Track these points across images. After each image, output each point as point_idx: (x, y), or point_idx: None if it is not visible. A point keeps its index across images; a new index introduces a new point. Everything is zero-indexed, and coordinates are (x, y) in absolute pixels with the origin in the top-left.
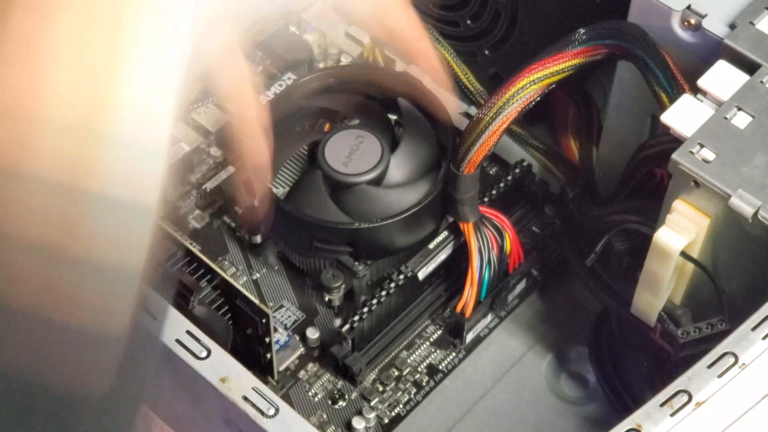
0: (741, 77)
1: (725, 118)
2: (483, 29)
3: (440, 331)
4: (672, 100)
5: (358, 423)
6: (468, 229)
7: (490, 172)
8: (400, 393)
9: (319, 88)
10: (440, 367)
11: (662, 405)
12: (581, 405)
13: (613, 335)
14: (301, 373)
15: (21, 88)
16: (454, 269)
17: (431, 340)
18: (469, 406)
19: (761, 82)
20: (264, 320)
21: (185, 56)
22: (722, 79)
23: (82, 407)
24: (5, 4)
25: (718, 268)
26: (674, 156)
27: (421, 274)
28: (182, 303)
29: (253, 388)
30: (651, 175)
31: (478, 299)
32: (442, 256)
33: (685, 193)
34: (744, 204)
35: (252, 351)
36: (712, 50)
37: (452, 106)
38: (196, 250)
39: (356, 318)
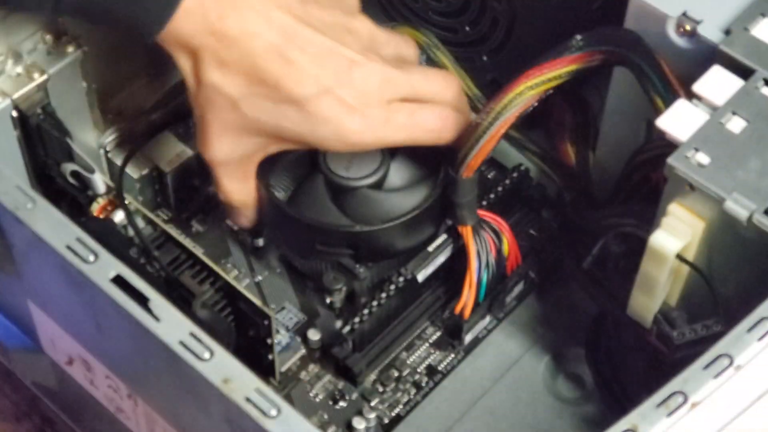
0: (736, 82)
1: (720, 122)
2: (481, 35)
3: (439, 333)
4: (667, 105)
5: (358, 423)
6: (467, 232)
7: (489, 177)
8: (400, 393)
9: None
10: (439, 368)
11: (658, 406)
12: (578, 405)
13: (610, 337)
14: (303, 374)
15: None
16: (453, 272)
17: (430, 341)
18: (467, 406)
19: (755, 87)
20: (266, 322)
21: None
22: (717, 84)
23: None
24: None
25: (713, 270)
26: (669, 160)
27: (421, 277)
28: (185, 305)
29: (255, 390)
30: (647, 179)
31: (476, 301)
32: (441, 259)
33: (680, 197)
34: (739, 207)
35: (254, 352)
36: (707, 56)
37: None
38: (199, 253)
39: (357, 319)
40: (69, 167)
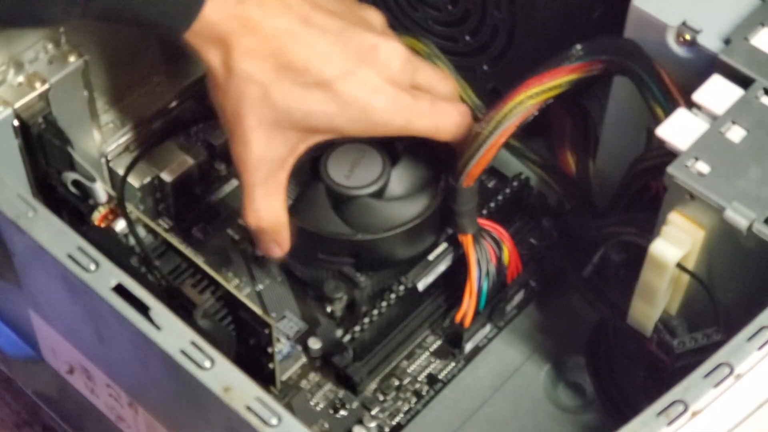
0: (735, 92)
1: (720, 131)
2: (481, 45)
3: (440, 341)
4: (667, 114)
5: None
6: (467, 240)
7: (489, 185)
8: (400, 402)
9: None
10: (440, 377)
11: (658, 414)
12: (579, 414)
13: (610, 345)
14: (303, 383)
15: None
16: (454, 280)
17: (431, 350)
18: (468, 415)
19: (755, 96)
20: (267, 331)
21: None
22: (717, 93)
23: None
24: None
25: (713, 279)
26: (669, 169)
27: (421, 285)
28: (186, 314)
29: (256, 398)
30: (647, 187)
31: (476, 310)
32: (441, 268)
33: (680, 206)
34: (738, 216)
35: (255, 361)
36: (707, 65)
37: None
38: (200, 262)
39: (357, 328)
40: (70, 176)
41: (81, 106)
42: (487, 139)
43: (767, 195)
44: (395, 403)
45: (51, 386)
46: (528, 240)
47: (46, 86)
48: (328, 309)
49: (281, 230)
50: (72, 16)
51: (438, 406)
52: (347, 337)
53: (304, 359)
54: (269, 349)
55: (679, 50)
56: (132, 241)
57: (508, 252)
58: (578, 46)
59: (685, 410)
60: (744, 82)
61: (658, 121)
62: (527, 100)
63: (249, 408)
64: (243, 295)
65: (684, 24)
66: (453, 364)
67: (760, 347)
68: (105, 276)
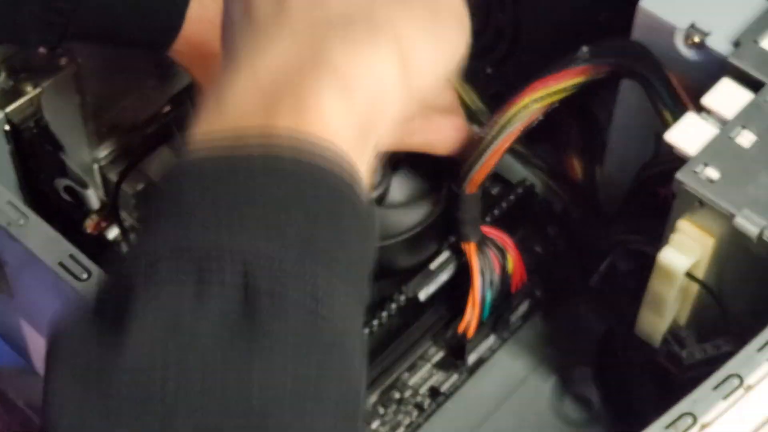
0: (745, 96)
1: (730, 137)
2: (485, 47)
3: (442, 353)
4: (676, 118)
5: None
6: (470, 249)
7: (493, 192)
8: (401, 415)
9: None
10: (442, 389)
11: (667, 427)
12: (586, 427)
13: (618, 357)
14: None
15: None
16: (456, 290)
17: (433, 361)
18: (471, 429)
19: (766, 100)
20: None
21: None
22: (726, 97)
23: None
24: None
25: (722, 288)
26: (678, 175)
27: (423, 295)
28: None
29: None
30: (655, 194)
31: (480, 320)
32: (443, 277)
33: (689, 213)
34: (749, 224)
35: None
36: (716, 68)
37: None
38: None
39: None
40: (62, 182)
41: (73, 110)
42: (491, 145)
43: None
44: (396, 416)
45: None
46: (533, 248)
47: (38, 90)
48: None
49: None
50: (52, 41)
51: (440, 419)
52: None
53: None
54: None
55: (688, 53)
56: (125, 248)
57: (512, 261)
58: (584, 49)
59: (694, 423)
60: (754, 85)
61: (666, 126)
62: (532, 104)
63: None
64: None
65: (693, 26)
66: (456, 376)
67: None
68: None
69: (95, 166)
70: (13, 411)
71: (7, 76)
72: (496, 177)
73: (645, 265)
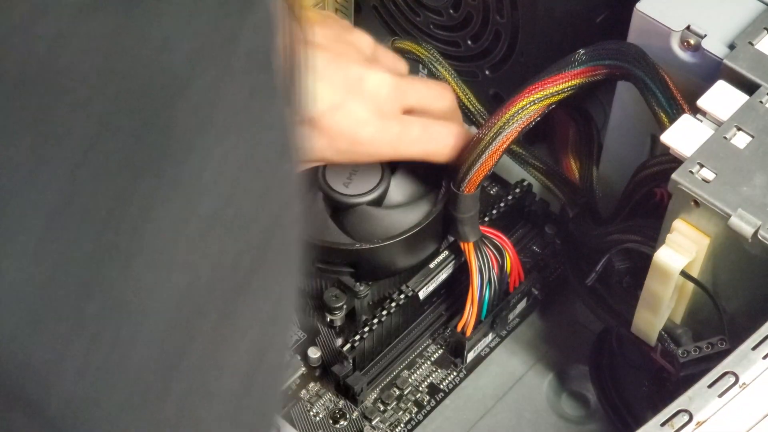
0: (740, 97)
1: (725, 137)
2: (483, 49)
3: (441, 351)
4: (672, 120)
5: None
6: (468, 248)
7: (491, 192)
8: (401, 412)
9: None
10: (441, 387)
11: (663, 425)
12: (582, 424)
13: (614, 354)
14: (303, 393)
15: None
16: (455, 289)
17: (432, 359)
18: (470, 425)
19: (760, 102)
20: None
21: None
22: (722, 99)
23: None
24: None
25: (718, 287)
26: (674, 176)
27: (422, 294)
28: None
29: None
30: (651, 194)
31: (478, 318)
32: (442, 276)
33: (685, 213)
34: (744, 224)
35: None
36: (712, 70)
37: None
38: None
39: (357, 337)
40: None
41: None
42: (489, 145)
43: None
44: (396, 413)
45: None
46: (530, 248)
47: None
48: (328, 318)
49: None
50: None
51: (439, 416)
52: (347, 347)
53: (303, 369)
54: None
55: (684, 55)
56: None
57: (510, 260)
58: (581, 51)
59: (690, 420)
60: (749, 87)
61: (662, 127)
62: (530, 105)
63: None
64: None
65: (688, 29)
66: (454, 373)
67: (766, 356)
68: None
69: None
70: None
71: None
72: (494, 177)
73: (641, 264)
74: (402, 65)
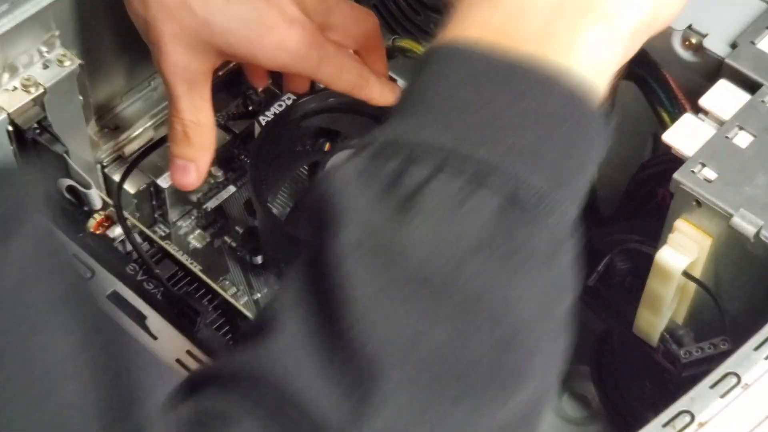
0: (742, 97)
1: (727, 137)
2: None
3: None
4: (673, 119)
5: None
6: None
7: None
8: None
9: (319, 108)
10: None
11: (665, 426)
12: (583, 425)
13: (615, 355)
14: None
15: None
16: None
17: None
18: None
19: (762, 101)
20: None
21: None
22: (723, 98)
23: None
24: None
25: (720, 287)
26: (676, 175)
27: None
28: (186, 324)
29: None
30: (653, 194)
31: None
32: None
33: (686, 213)
34: (746, 223)
35: None
36: (714, 70)
37: None
38: (197, 270)
39: None
40: (65, 182)
41: (76, 111)
42: None
43: None
44: None
45: None
46: None
47: (41, 91)
48: None
49: (202, 131)
50: None
51: None
52: None
53: None
54: None
55: (685, 54)
56: (128, 247)
57: None
58: None
59: (692, 421)
60: (751, 86)
61: (664, 127)
62: None
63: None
64: (240, 304)
65: (690, 28)
66: None
67: None
68: (101, 283)
69: (97, 166)
70: None
71: (10, 77)
72: None
73: (643, 264)
74: None
